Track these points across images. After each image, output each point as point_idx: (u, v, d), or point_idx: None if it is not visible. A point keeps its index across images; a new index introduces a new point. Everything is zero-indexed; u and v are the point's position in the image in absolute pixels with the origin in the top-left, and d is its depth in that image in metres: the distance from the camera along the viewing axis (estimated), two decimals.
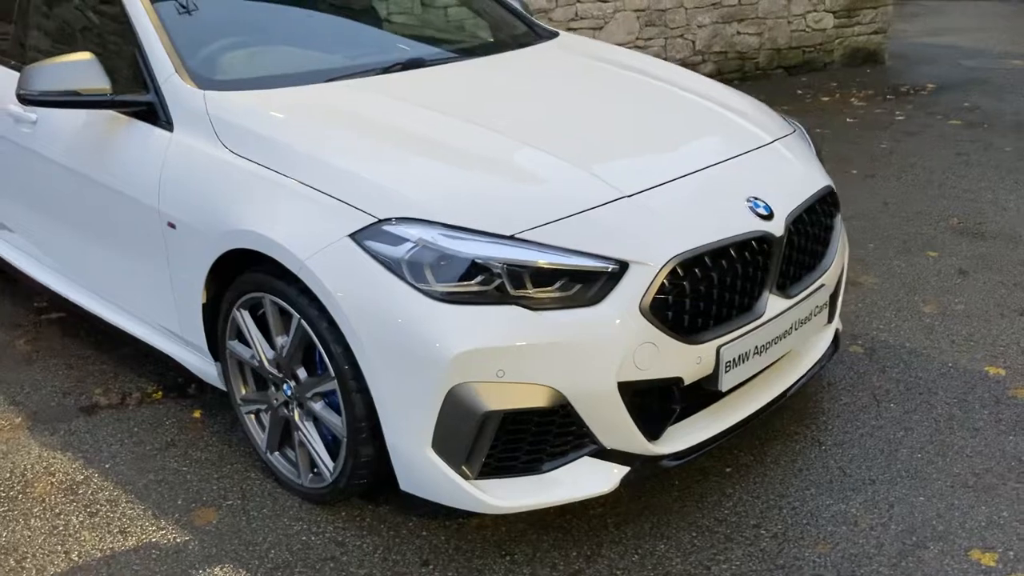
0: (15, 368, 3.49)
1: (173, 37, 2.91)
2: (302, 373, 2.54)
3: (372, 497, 2.62)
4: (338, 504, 2.62)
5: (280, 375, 2.58)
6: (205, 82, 2.81)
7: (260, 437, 2.76)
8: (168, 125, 2.79)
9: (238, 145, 2.60)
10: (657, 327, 2.23)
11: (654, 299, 2.23)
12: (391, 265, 2.23)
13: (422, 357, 2.18)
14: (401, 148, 2.50)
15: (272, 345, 2.58)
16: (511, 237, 2.23)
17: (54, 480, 2.81)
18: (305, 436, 2.57)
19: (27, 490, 2.77)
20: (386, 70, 3.04)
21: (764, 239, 2.44)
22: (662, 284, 2.24)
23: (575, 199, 2.35)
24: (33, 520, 2.64)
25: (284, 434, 2.68)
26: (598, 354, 2.20)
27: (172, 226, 2.72)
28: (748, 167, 2.67)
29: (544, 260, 2.20)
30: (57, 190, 3.22)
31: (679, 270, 2.27)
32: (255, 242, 2.44)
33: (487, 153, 2.52)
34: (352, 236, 2.28)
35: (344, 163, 2.41)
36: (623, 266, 2.23)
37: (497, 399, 2.18)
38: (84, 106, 2.83)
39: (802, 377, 2.71)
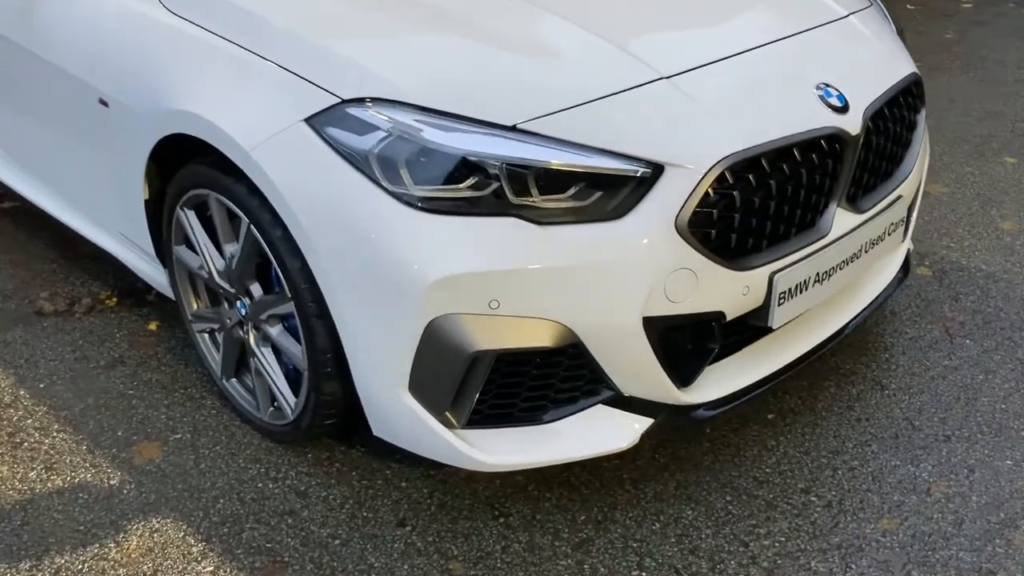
0: None
1: None
2: (256, 290, 2.08)
3: (344, 436, 2.21)
4: (302, 444, 2.20)
5: (232, 290, 2.13)
6: None
7: (214, 360, 2.32)
8: None
9: (179, 3, 2.08)
10: (696, 249, 1.75)
11: (694, 213, 1.74)
12: (356, 159, 1.74)
13: (394, 280, 1.71)
14: (382, 11, 1.96)
15: (222, 253, 2.12)
16: (513, 128, 1.72)
17: None
18: (262, 364, 2.13)
19: None
20: None
21: (836, 138, 1.92)
22: (706, 194, 1.74)
23: (598, 80, 1.83)
24: None
25: (241, 359, 2.25)
26: (620, 282, 1.72)
27: (104, 103, 2.22)
28: (818, 45, 2.12)
29: (555, 159, 1.70)
30: None
31: (728, 176, 1.77)
32: (194, 126, 1.95)
33: (492, 24, 1.98)
34: (308, 121, 1.78)
35: (301, 27, 1.89)
36: (656, 169, 1.73)
37: (490, 336, 1.72)
38: None
39: (865, 308, 2.23)
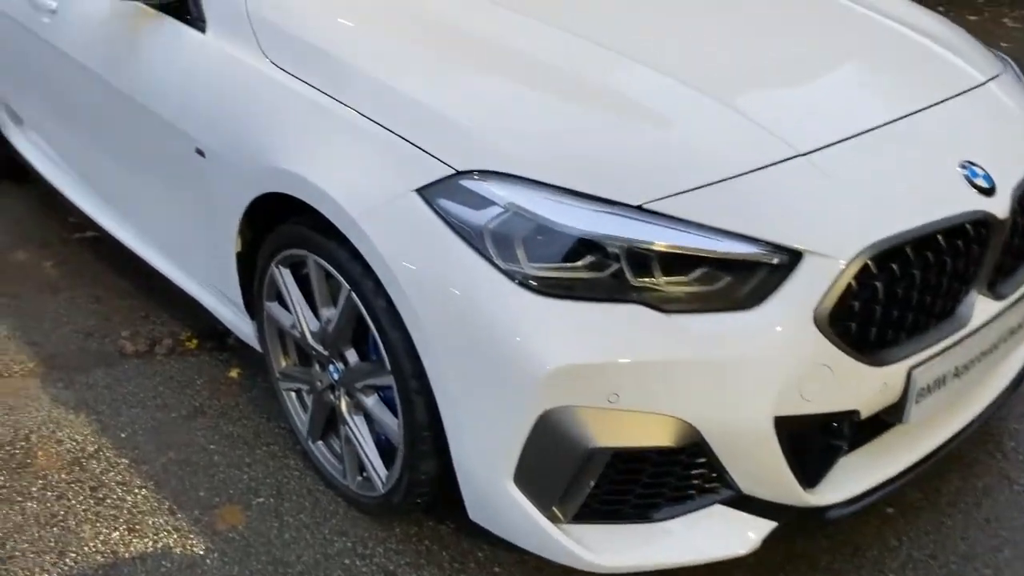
0: (39, 297, 3.04)
1: None
2: (352, 356, 1.99)
3: (434, 509, 2.10)
4: (390, 518, 2.10)
5: (326, 353, 2.04)
6: None
7: (301, 421, 2.24)
8: (200, 24, 2.20)
9: (284, 56, 2.00)
10: (834, 343, 1.61)
11: (835, 305, 1.60)
12: (469, 234, 1.64)
13: (506, 365, 1.60)
14: (495, 74, 1.86)
15: (317, 315, 2.03)
16: (638, 208, 1.60)
17: (60, 450, 2.35)
18: (353, 432, 2.04)
19: (28, 461, 2.32)
20: None
21: (984, 222, 1.77)
22: (847, 285, 1.61)
23: (729, 156, 1.70)
24: (30, 503, 2.19)
25: (330, 422, 2.16)
26: (751, 378, 1.59)
27: (201, 153, 2.16)
28: (958, 118, 1.97)
29: (684, 242, 1.58)
30: (77, 94, 2.68)
31: (871, 265, 1.63)
32: (297, 187, 1.87)
33: (611, 86, 1.87)
34: (420, 191, 1.69)
35: (417, 90, 1.79)
36: (794, 257, 1.60)
37: (607, 432, 1.60)
38: None
39: (1002, 395, 2.06)
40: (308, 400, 2.20)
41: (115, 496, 2.20)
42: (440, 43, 1.95)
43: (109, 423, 2.45)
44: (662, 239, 1.58)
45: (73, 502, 2.19)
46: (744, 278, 1.60)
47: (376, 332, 1.82)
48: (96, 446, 2.36)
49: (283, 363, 2.24)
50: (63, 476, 2.27)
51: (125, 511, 2.16)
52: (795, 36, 2.21)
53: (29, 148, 3.39)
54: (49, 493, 2.22)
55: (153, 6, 2.31)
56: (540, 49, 1.94)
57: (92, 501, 2.19)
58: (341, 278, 1.87)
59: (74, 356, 2.74)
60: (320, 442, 2.20)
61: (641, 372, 1.57)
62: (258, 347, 2.35)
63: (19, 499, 2.20)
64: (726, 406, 1.59)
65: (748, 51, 2.07)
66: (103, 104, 2.54)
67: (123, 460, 2.31)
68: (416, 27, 2.01)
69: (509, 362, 1.60)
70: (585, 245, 1.59)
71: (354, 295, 1.84)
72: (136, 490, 2.22)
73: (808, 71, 2.05)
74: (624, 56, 1.94)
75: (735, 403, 1.59)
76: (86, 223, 3.26)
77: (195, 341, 2.79)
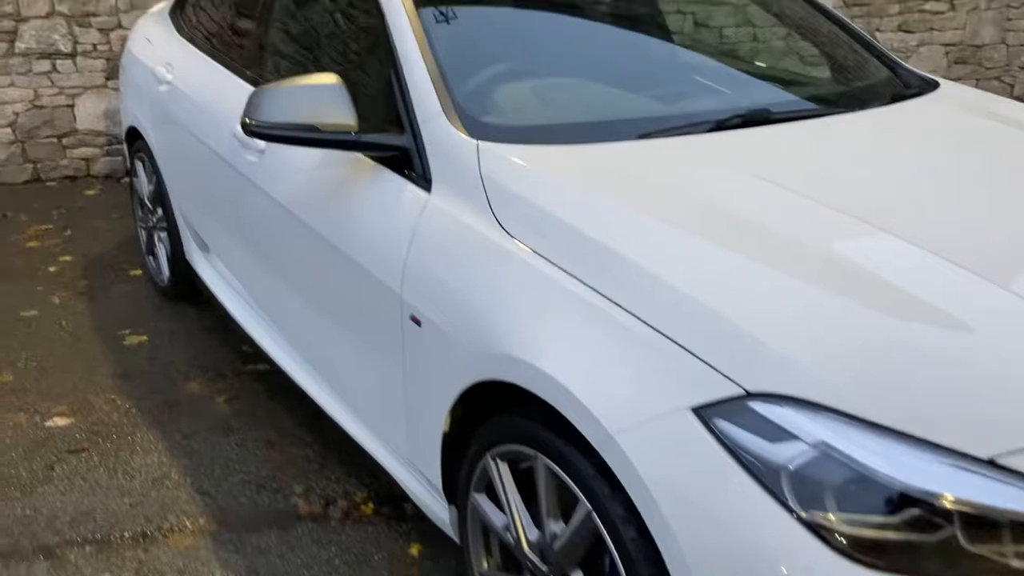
0: (211, 438, 2.91)
1: (442, 63, 2.17)
2: None
3: None
4: None
5: (545, 569, 1.76)
6: (478, 128, 2.04)
7: None
8: (424, 182, 2.04)
9: (522, 227, 1.81)
10: None
11: None
12: (758, 469, 1.35)
13: None
14: (778, 269, 1.59)
15: (539, 523, 1.77)
16: (989, 463, 1.29)
17: None
18: None
19: None
20: (719, 124, 2.16)
21: None
22: None
23: None
24: None
25: None
26: None
27: (416, 322, 1.97)
28: None
29: None
30: (277, 236, 2.58)
31: None
32: (531, 381, 1.64)
33: (928, 287, 1.56)
34: (698, 411, 1.42)
35: (690, 286, 1.55)
36: None
37: None
38: (322, 145, 2.14)
39: None
40: None
41: None
42: (710, 228, 1.69)
43: None
44: (1019, 504, 1.25)
45: None
46: None
47: (621, 566, 1.53)
48: None
49: (485, 564, 1.98)
50: None
51: None
52: None
53: (212, 276, 3.34)
54: None
55: (373, 158, 2.18)
56: (824, 238, 1.67)
57: None
58: (580, 493, 1.60)
59: (245, 511, 2.56)
60: None
61: None
62: (451, 533, 2.10)
63: None
64: None
65: None
66: (303, 248, 2.42)
67: None
68: (679, 207, 1.77)
69: None
70: (908, 499, 1.28)
71: (595, 516, 1.57)
72: None
73: None
74: (921, 248, 1.64)
75: None
76: (259, 354, 3.14)
77: (371, 505, 2.57)
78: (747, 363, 1.41)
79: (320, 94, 2.09)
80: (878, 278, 1.56)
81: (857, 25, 3.11)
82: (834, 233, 1.69)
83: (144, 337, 3.55)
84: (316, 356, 2.57)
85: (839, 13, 3.01)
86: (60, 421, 2.99)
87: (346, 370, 2.38)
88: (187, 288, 3.67)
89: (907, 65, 2.82)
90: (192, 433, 2.92)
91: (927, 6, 6.49)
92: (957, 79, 6.67)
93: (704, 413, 1.41)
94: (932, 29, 6.54)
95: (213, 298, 3.30)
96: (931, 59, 6.63)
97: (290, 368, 2.73)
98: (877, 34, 6.45)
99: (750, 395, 1.39)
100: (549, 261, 1.71)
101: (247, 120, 2.13)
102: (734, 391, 1.40)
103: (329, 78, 2.12)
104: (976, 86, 6.74)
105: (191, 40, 3.47)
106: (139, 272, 4.14)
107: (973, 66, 6.71)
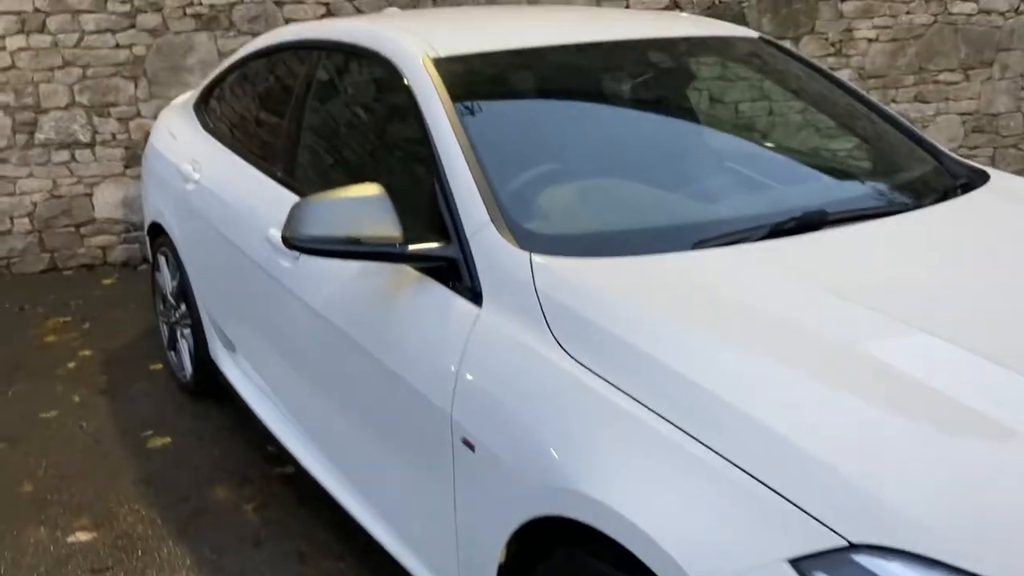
0: (240, 551, 2.78)
1: (488, 170, 2.11)
2: None
3: None
4: None
5: None
6: (529, 239, 1.97)
7: None
8: (474, 296, 1.96)
9: (587, 351, 1.71)
10: None
11: None
12: None
13: None
14: (875, 402, 1.48)
15: None
16: None
17: None
18: None
19: None
20: (775, 229, 2.08)
21: None
22: None
23: None
24: None
25: None
26: None
27: (469, 445, 1.87)
28: None
29: None
30: (313, 344, 2.49)
31: None
32: (607, 523, 1.53)
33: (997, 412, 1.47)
34: (795, 563, 1.31)
35: (777, 421, 1.44)
36: None
37: None
38: (367, 258, 2.06)
39: None
40: None
41: None
42: (794, 355, 1.58)
43: None
44: None
45: None
46: None
47: None
48: None
49: None
50: None
51: None
52: None
53: (238, 376, 3.25)
54: None
55: (419, 269, 2.11)
56: (918, 365, 1.55)
57: None
58: None
59: None
60: None
61: None
62: None
63: None
64: None
65: None
66: (342, 358, 2.33)
67: None
68: (758, 332, 1.65)
69: None
70: None
71: None
72: None
73: None
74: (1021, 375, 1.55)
75: None
76: (284, 456, 3.03)
77: None
78: (850, 511, 1.31)
79: (363, 207, 2.02)
80: (976, 412, 1.45)
81: (874, 97, 3.05)
82: (927, 358, 1.59)
83: (167, 439, 3.45)
84: (353, 468, 2.46)
85: (875, 99, 2.95)
86: (83, 536, 2.87)
87: (388, 488, 2.27)
88: (210, 385, 3.58)
89: (949, 152, 2.76)
90: (222, 547, 2.80)
91: (941, 76, 6.50)
92: (975, 147, 6.66)
93: (802, 566, 1.30)
94: (948, 99, 6.53)
95: (239, 398, 3.21)
96: (949, 128, 6.61)
97: (324, 479, 2.62)
98: (893, 104, 6.44)
99: (853, 547, 1.28)
100: (620, 390, 1.62)
101: (288, 234, 2.06)
102: (836, 542, 1.29)
103: (372, 189, 2.05)
104: (994, 154, 6.73)
105: (217, 136, 3.43)
106: (159, 366, 4.05)
107: (990, 135, 6.69)
